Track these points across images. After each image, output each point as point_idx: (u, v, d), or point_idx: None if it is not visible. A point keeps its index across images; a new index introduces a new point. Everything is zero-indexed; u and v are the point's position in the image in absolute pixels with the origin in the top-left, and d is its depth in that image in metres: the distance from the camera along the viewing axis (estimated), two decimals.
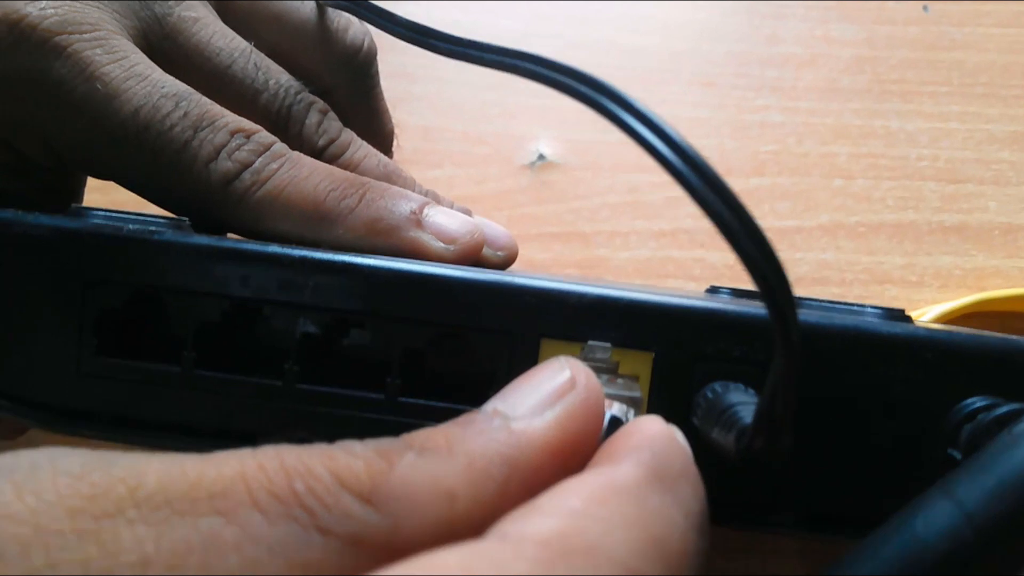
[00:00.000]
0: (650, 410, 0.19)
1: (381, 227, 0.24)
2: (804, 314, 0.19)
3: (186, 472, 0.13)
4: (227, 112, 0.25)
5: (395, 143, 0.35)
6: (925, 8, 0.42)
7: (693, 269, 0.39)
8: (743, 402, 0.17)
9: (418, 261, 0.20)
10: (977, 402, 0.19)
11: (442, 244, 0.24)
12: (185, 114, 0.24)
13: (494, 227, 0.28)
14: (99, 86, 0.23)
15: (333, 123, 0.29)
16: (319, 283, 0.20)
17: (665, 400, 0.19)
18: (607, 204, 0.40)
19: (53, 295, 0.20)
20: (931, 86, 0.41)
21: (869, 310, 0.21)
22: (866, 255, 0.39)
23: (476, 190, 0.40)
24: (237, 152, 0.24)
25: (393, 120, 0.35)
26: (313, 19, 0.29)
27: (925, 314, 0.37)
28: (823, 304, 0.22)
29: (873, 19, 0.42)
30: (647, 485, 0.14)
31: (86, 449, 0.14)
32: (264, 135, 0.25)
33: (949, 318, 0.37)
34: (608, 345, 0.19)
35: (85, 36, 0.23)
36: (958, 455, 0.19)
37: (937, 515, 0.16)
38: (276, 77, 0.28)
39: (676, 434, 0.16)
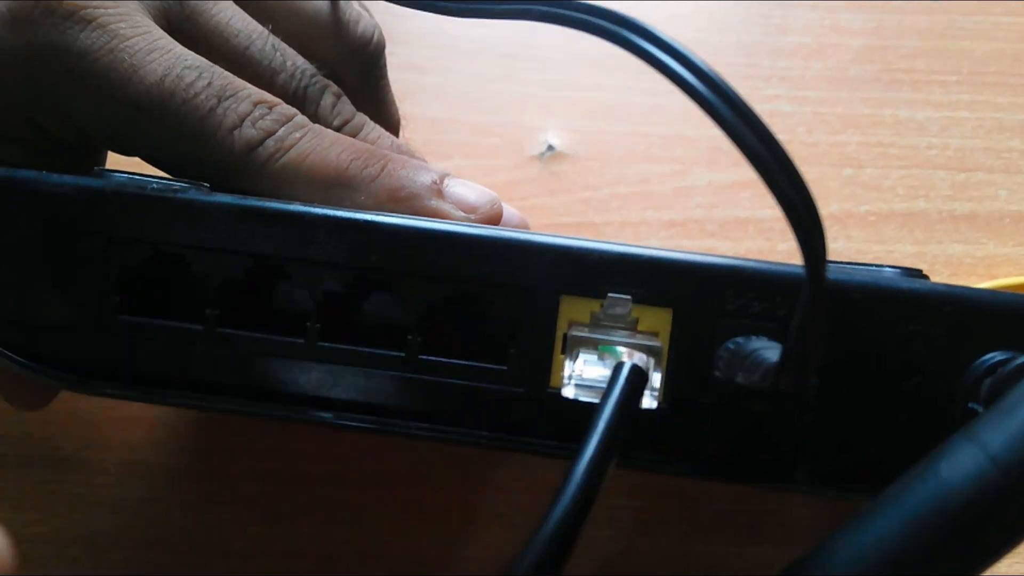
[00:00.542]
0: (669, 365, 0.19)
1: (403, 195, 0.24)
2: None
3: None
4: (249, 84, 0.25)
5: (402, 135, 0.36)
6: None
7: None
8: (766, 347, 0.17)
9: (439, 220, 0.21)
10: (997, 356, 0.19)
11: (463, 213, 0.25)
12: (209, 83, 0.24)
13: (507, 208, 0.29)
14: (125, 56, 0.24)
15: (347, 106, 0.30)
16: (341, 241, 0.20)
17: (685, 355, 0.20)
18: (617, 194, 0.40)
19: (76, 253, 0.21)
20: (940, 75, 0.41)
21: (887, 269, 0.21)
22: (876, 244, 0.39)
23: (485, 181, 0.40)
24: (261, 121, 0.25)
25: (401, 112, 0.36)
26: (325, 10, 0.30)
27: None
28: (841, 264, 0.22)
29: (882, 8, 0.42)
30: None
31: None
32: (285, 107, 0.25)
33: None
34: (628, 297, 0.19)
35: (109, 11, 0.24)
36: (980, 408, 0.19)
37: (962, 459, 0.16)
38: (292, 59, 0.28)
39: None
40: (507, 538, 0.35)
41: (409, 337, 0.20)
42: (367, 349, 0.21)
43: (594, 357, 0.19)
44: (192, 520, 0.35)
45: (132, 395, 0.21)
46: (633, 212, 0.40)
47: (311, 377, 0.21)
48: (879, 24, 0.42)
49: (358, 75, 0.32)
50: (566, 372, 0.19)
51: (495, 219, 0.26)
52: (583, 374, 0.19)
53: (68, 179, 0.21)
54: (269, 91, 0.27)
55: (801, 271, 0.19)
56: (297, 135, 0.25)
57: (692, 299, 0.20)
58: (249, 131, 0.24)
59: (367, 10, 0.32)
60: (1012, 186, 0.40)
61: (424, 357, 0.20)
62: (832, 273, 0.20)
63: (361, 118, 0.31)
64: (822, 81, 0.42)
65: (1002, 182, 0.40)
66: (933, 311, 0.20)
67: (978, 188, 0.40)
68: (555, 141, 0.41)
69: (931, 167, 0.40)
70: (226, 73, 0.25)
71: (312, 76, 0.29)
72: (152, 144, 0.25)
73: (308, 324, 0.20)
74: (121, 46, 0.24)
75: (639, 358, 0.18)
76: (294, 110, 0.26)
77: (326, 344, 0.20)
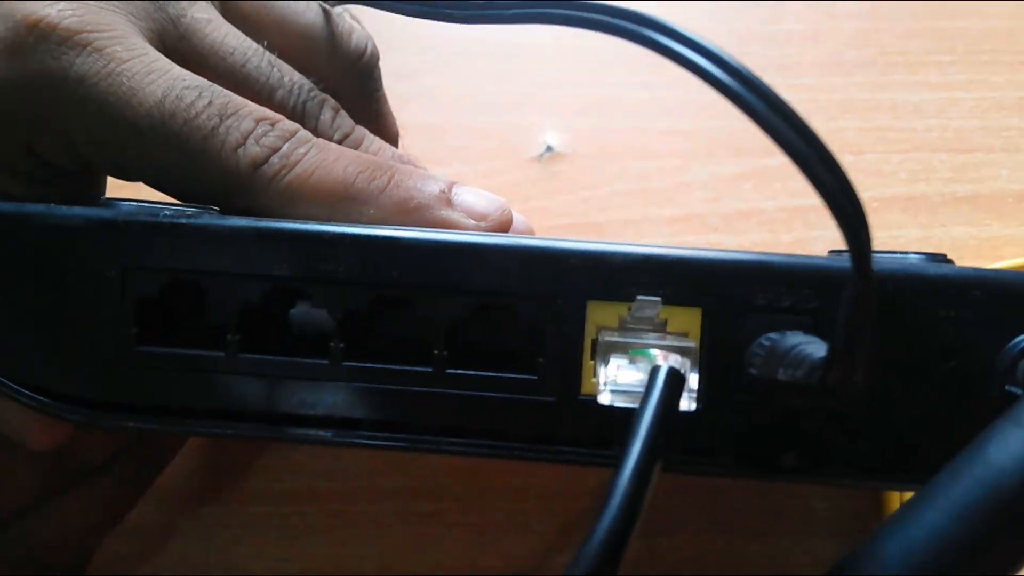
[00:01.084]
0: (703, 365, 0.19)
1: (412, 207, 0.24)
2: (848, 261, 0.20)
3: None
4: (249, 102, 0.25)
5: (400, 144, 0.36)
6: None
7: None
8: (806, 342, 0.17)
9: (457, 232, 0.21)
10: None
11: (473, 222, 0.25)
12: (210, 102, 0.24)
13: (514, 214, 0.29)
14: (123, 79, 0.24)
15: (346, 119, 0.30)
16: (360, 258, 0.20)
17: (717, 354, 0.20)
18: (617, 192, 0.40)
19: (89, 286, 0.20)
20: (936, 56, 0.41)
21: (912, 255, 0.21)
22: (881, 230, 0.39)
23: (485, 185, 0.39)
24: (264, 138, 0.24)
25: (397, 122, 0.35)
26: (317, 23, 0.30)
27: None
28: None
29: None
30: None
31: None
32: (288, 123, 0.25)
33: None
34: (658, 299, 0.19)
35: (104, 34, 0.24)
36: (1017, 390, 0.19)
37: (1010, 443, 0.16)
38: (289, 75, 0.28)
39: None
40: (526, 545, 0.35)
41: (435, 352, 0.20)
42: (393, 366, 0.20)
43: (626, 361, 0.19)
44: (207, 544, 0.34)
45: (155, 427, 0.21)
46: (635, 209, 0.40)
47: (337, 398, 0.20)
48: (872, 7, 0.42)
49: (353, 88, 0.32)
50: (600, 379, 0.19)
51: (505, 226, 0.26)
52: (617, 379, 0.19)
53: (78, 211, 0.21)
54: (268, 108, 0.27)
55: (827, 262, 0.19)
56: (302, 151, 0.25)
57: (721, 297, 0.20)
58: (253, 149, 0.24)
59: (359, 22, 0.32)
60: (1013, 165, 0.40)
61: (451, 371, 0.20)
62: None
63: (361, 131, 0.31)
64: (817, 67, 0.42)
65: (1003, 161, 0.40)
66: (963, 295, 0.20)
67: (979, 169, 0.40)
68: (553, 141, 0.41)
69: (931, 150, 0.40)
70: (226, 91, 0.25)
71: (310, 91, 0.29)
72: (155, 167, 0.25)
73: (331, 344, 0.20)
74: (119, 69, 0.24)
75: (674, 360, 0.18)
76: (297, 125, 0.26)
77: (351, 364, 0.20)
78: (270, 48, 0.29)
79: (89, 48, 0.24)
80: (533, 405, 0.20)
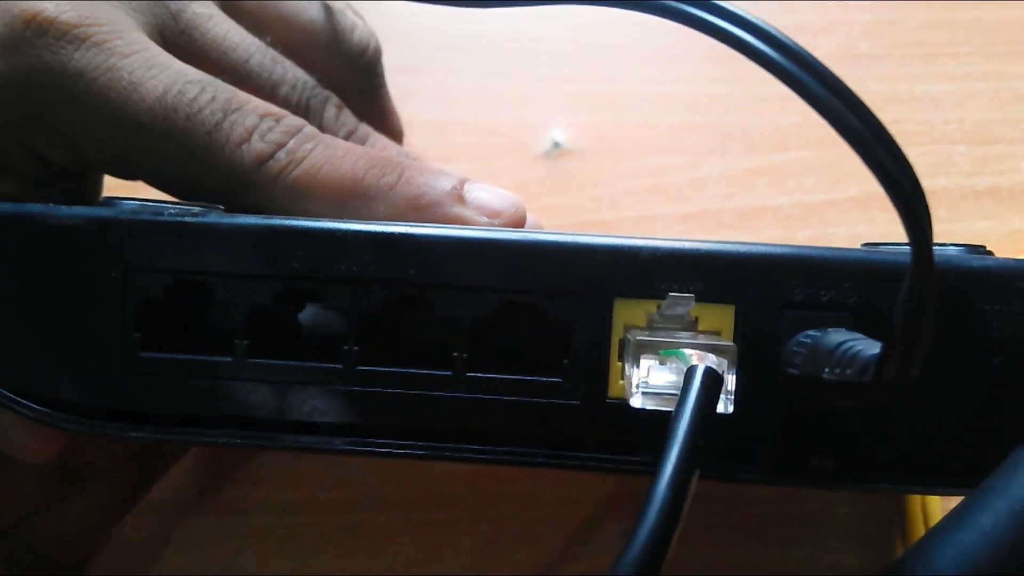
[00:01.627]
0: (740, 365, 0.19)
1: (423, 203, 0.24)
2: (889, 255, 0.19)
3: None
4: (253, 97, 0.25)
5: (404, 142, 0.35)
6: None
7: None
8: (853, 339, 0.16)
9: (477, 227, 0.20)
10: None
11: (486, 219, 0.24)
12: (213, 97, 0.24)
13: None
14: (124, 74, 0.23)
15: (350, 117, 0.30)
16: (374, 256, 0.19)
17: (752, 353, 0.19)
18: (629, 189, 0.39)
19: (90, 288, 0.20)
20: (952, 47, 0.41)
21: (951, 248, 0.21)
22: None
23: (491, 183, 0.39)
24: (269, 133, 0.24)
25: (401, 119, 0.35)
26: (319, 19, 0.30)
27: None
28: (900, 246, 0.21)
29: None
30: None
31: None
32: (293, 118, 0.25)
33: None
34: (691, 295, 0.18)
35: (104, 28, 0.23)
36: None
37: None
38: (292, 71, 0.28)
39: None
40: (536, 556, 0.34)
41: (455, 354, 0.19)
42: (410, 370, 0.20)
43: (657, 362, 0.18)
44: (210, 556, 0.34)
45: (158, 437, 0.20)
46: (647, 207, 0.39)
47: (351, 404, 0.20)
48: None
49: (356, 85, 0.32)
50: (632, 381, 0.19)
51: (519, 223, 0.25)
52: (649, 381, 0.18)
53: (78, 210, 0.20)
54: (271, 103, 0.26)
55: (869, 255, 0.19)
56: (308, 146, 0.24)
57: (756, 293, 0.19)
58: (258, 144, 0.24)
59: (362, 18, 0.32)
60: None
61: (472, 374, 0.20)
62: (900, 257, 0.19)
63: (365, 128, 0.30)
64: (832, 59, 0.40)
65: (1023, 153, 0.39)
66: (1007, 287, 0.19)
67: (999, 161, 0.39)
68: (561, 138, 0.40)
69: (950, 142, 0.40)
70: (229, 87, 0.24)
71: (313, 88, 0.29)
72: (156, 165, 0.24)
73: (345, 347, 0.20)
74: (119, 64, 0.23)
75: (710, 360, 0.17)
76: (302, 121, 0.25)
77: (365, 368, 0.20)
78: (273, 45, 0.28)
79: (88, 42, 0.23)
80: (558, 409, 0.19)
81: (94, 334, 0.20)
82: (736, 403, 0.19)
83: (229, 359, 0.20)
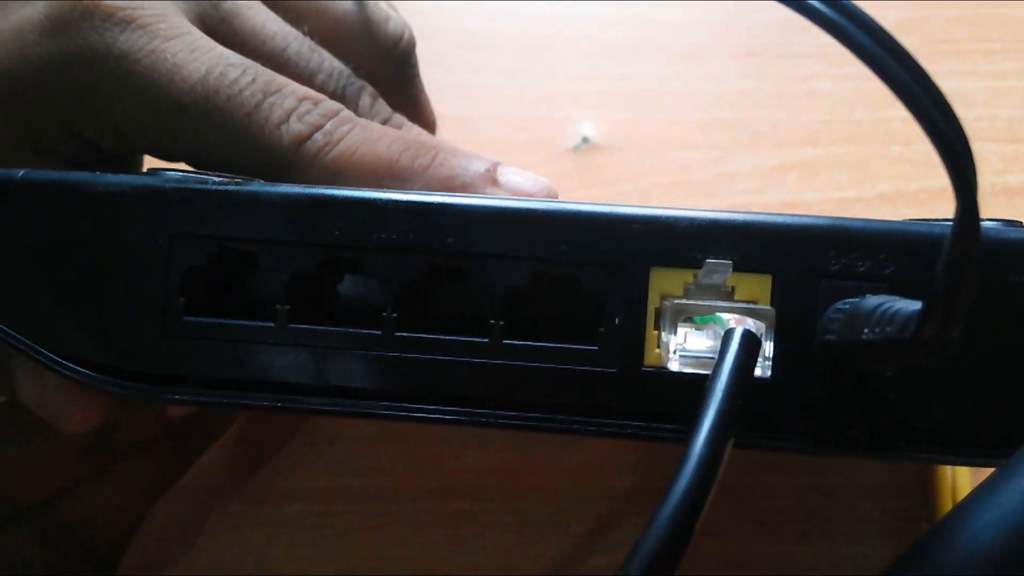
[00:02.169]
0: (776, 332, 0.19)
1: (456, 185, 0.24)
2: (926, 225, 0.19)
3: None
4: (292, 81, 0.25)
5: (435, 135, 0.36)
6: None
7: None
8: (891, 300, 0.16)
9: (515, 190, 0.20)
10: None
11: None
12: (253, 80, 0.24)
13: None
14: (167, 56, 0.24)
15: (384, 106, 0.30)
16: (413, 225, 0.20)
17: (789, 320, 0.19)
18: (658, 185, 0.40)
19: (135, 255, 0.20)
20: (983, 43, 0.41)
21: (987, 222, 0.21)
22: None
23: None
24: (307, 115, 0.24)
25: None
26: (354, 11, 0.30)
27: None
28: (939, 221, 0.21)
29: None
30: None
31: None
32: (331, 102, 0.25)
33: None
34: (728, 262, 0.19)
35: (147, 12, 0.24)
36: None
37: None
38: (329, 60, 0.29)
39: None
40: (563, 547, 0.34)
41: (492, 321, 0.20)
42: (447, 336, 0.20)
43: (694, 328, 0.19)
44: (241, 544, 0.34)
45: (200, 400, 0.20)
46: (675, 202, 0.39)
47: (390, 370, 0.20)
48: None
49: (390, 75, 0.32)
50: (670, 346, 0.19)
51: None
52: (686, 346, 0.19)
53: (124, 178, 0.20)
54: None
55: (906, 226, 0.19)
56: (345, 128, 0.25)
57: (793, 262, 0.19)
58: (297, 125, 0.24)
59: (395, 10, 0.33)
60: None
61: (509, 342, 0.20)
62: (937, 228, 0.19)
63: (399, 117, 0.31)
64: None
65: None
66: None
67: None
68: (589, 133, 0.40)
69: (980, 140, 0.40)
70: (269, 70, 0.25)
71: (349, 76, 0.29)
72: (197, 145, 0.25)
73: (384, 314, 0.20)
74: (162, 47, 0.24)
75: (749, 323, 0.17)
76: (339, 105, 0.26)
77: (403, 334, 0.20)
78: (309, 35, 0.29)
79: (133, 25, 0.24)
80: (594, 377, 0.20)
81: (139, 299, 0.20)
82: (774, 370, 0.19)
83: (271, 324, 0.20)
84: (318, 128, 0.24)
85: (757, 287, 0.19)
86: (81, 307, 0.20)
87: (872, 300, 0.17)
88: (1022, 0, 0.42)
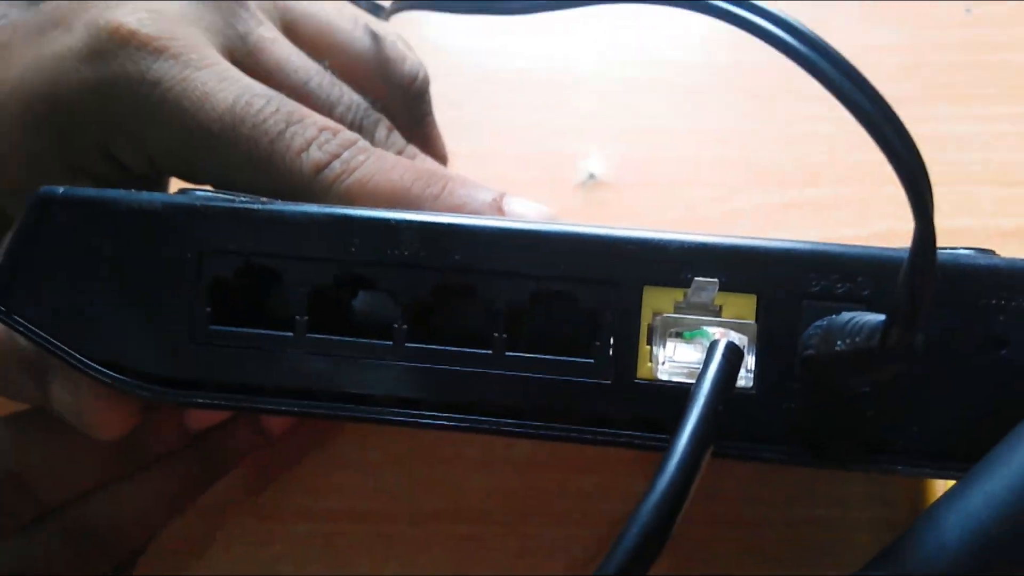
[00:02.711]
0: (760, 345, 0.20)
1: (465, 213, 0.26)
2: (900, 250, 0.21)
3: None
4: (314, 112, 0.27)
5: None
6: (967, 10, 0.44)
7: None
8: (862, 314, 0.18)
9: (520, 219, 0.22)
10: None
11: None
12: (277, 110, 0.26)
13: None
14: (197, 84, 0.25)
15: (399, 138, 0.32)
16: (426, 243, 0.21)
17: (772, 339, 0.21)
18: (665, 221, 0.41)
19: (167, 268, 0.22)
20: (978, 88, 0.43)
21: (961, 250, 0.22)
22: None
23: None
24: (326, 144, 0.26)
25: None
26: (372, 49, 0.32)
27: None
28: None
29: (915, 24, 0.44)
30: None
31: None
32: (348, 132, 0.27)
33: None
34: (715, 280, 0.20)
35: (180, 42, 0.26)
36: None
37: None
38: (348, 94, 0.31)
39: None
40: (568, 571, 0.35)
41: (495, 335, 0.21)
42: (454, 348, 0.22)
43: (682, 341, 0.20)
44: (251, 560, 0.35)
45: (223, 403, 0.22)
46: None
47: (400, 378, 0.22)
48: (914, 40, 0.44)
49: (405, 111, 0.34)
50: (660, 358, 0.20)
51: None
52: (675, 357, 0.20)
53: (158, 196, 0.22)
54: None
55: (883, 250, 0.20)
56: (361, 158, 0.27)
57: (776, 284, 0.21)
58: (316, 154, 0.26)
59: (411, 49, 0.35)
60: None
61: (510, 354, 0.21)
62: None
63: (413, 149, 0.33)
64: None
65: None
66: (1013, 284, 0.20)
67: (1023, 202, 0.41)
68: (596, 169, 0.42)
69: (975, 183, 0.41)
70: (292, 101, 0.27)
71: (366, 109, 0.31)
72: (223, 168, 0.26)
73: (395, 325, 0.21)
74: (193, 76, 0.26)
75: (733, 336, 0.18)
76: (356, 135, 0.27)
77: (413, 345, 0.22)
78: (329, 69, 0.31)
79: (166, 54, 0.26)
80: (589, 388, 0.21)
81: (169, 309, 0.22)
82: (756, 383, 0.20)
83: (291, 334, 0.22)
84: (336, 157, 0.26)
85: (743, 306, 0.21)
86: (113, 315, 0.22)
87: (845, 315, 0.18)
88: (1018, 46, 0.43)
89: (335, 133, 0.27)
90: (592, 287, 0.21)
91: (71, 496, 0.28)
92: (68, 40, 0.26)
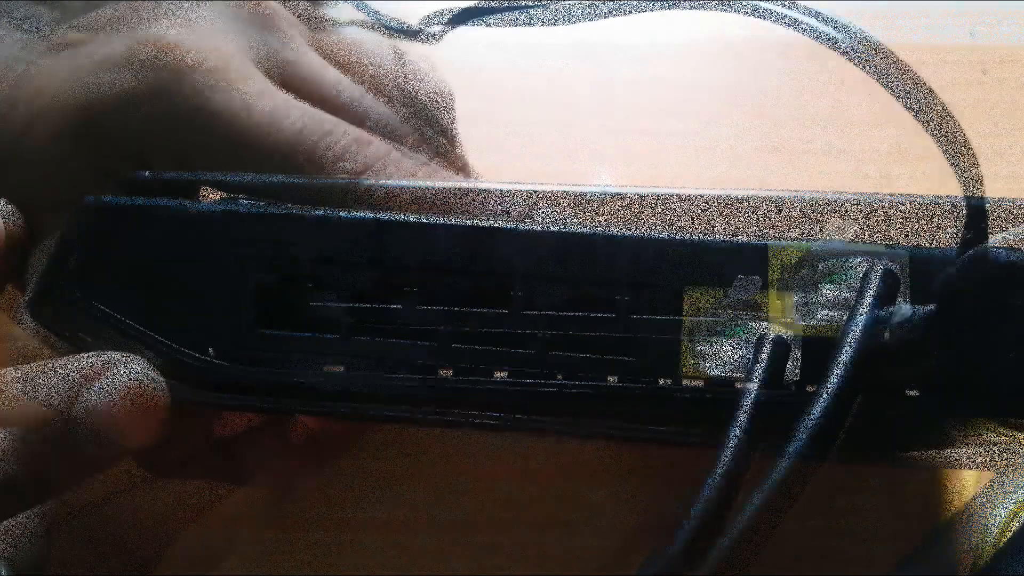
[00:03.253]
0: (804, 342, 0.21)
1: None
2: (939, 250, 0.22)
3: None
4: (346, 123, 0.28)
5: None
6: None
7: None
8: (905, 307, 0.18)
9: (558, 225, 0.23)
10: None
11: None
12: (311, 121, 0.27)
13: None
14: (235, 96, 0.26)
15: (424, 154, 0.32)
16: (465, 247, 0.22)
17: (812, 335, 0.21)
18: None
19: (213, 273, 0.22)
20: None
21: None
22: None
23: None
24: (358, 155, 0.27)
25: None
26: (397, 66, 0.33)
27: None
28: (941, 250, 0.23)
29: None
30: None
31: None
32: (379, 144, 0.28)
33: None
34: (757, 278, 0.21)
35: (218, 56, 0.27)
36: None
37: None
38: (376, 108, 0.31)
39: None
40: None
41: (537, 335, 0.22)
42: (496, 348, 0.22)
43: (725, 340, 0.21)
44: (266, 569, 0.35)
45: (268, 406, 0.22)
46: None
47: (444, 379, 0.22)
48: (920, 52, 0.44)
49: (428, 128, 0.35)
50: (699, 357, 0.21)
51: None
52: (719, 355, 0.21)
53: (206, 204, 0.23)
54: None
55: (925, 251, 0.21)
56: (391, 170, 0.27)
57: None
58: (351, 164, 0.27)
59: (435, 68, 0.35)
60: None
61: (553, 353, 0.22)
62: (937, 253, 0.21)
63: (436, 165, 0.33)
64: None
65: None
66: None
67: None
68: (611, 182, 0.42)
69: None
70: (324, 113, 0.28)
71: (396, 123, 0.31)
72: None
73: (440, 329, 0.22)
74: (231, 88, 0.26)
75: (778, 331, 0.19)
76: (388, 146, 0.28)
77: (458, 346, 0.22)
78: (358, 84, 0.31)
79: (204, 67, 0.26)
80: (631, 387, 0.22)
81: (216, 313, 0.22)
82: (799, 378, 0.21)
83: (335, 336, 0.22)
84: (367, 168, 0.27)
85: (785, 304, 0.21)
86: (162, 320, 0.22)
87: (889, 308, 0.19)
88: None
89: (368, 143, 0.27)
90: (634, 287, 0.22)
91: (95, 499, 0.28)
92: (108, 50, 0.27)
